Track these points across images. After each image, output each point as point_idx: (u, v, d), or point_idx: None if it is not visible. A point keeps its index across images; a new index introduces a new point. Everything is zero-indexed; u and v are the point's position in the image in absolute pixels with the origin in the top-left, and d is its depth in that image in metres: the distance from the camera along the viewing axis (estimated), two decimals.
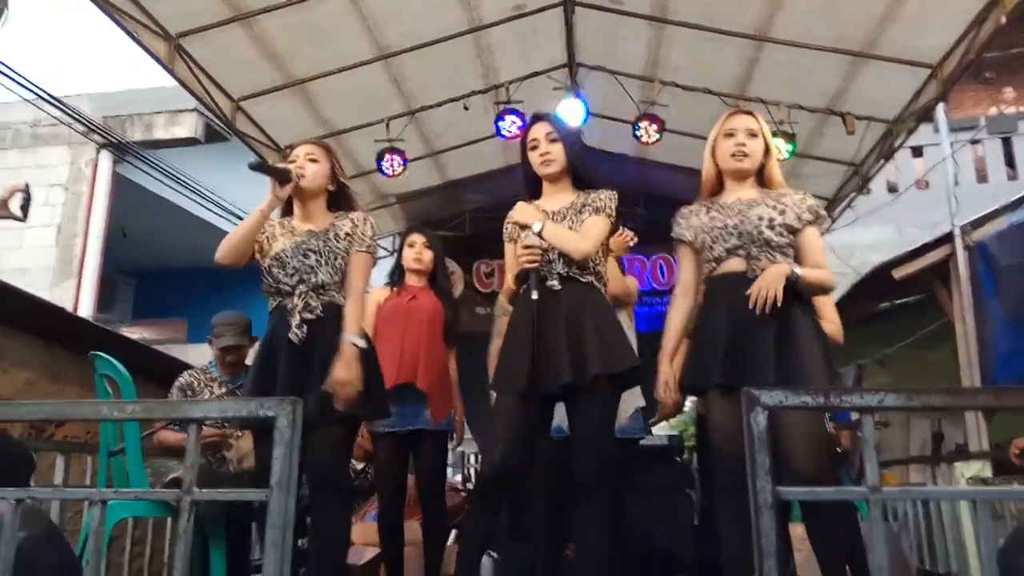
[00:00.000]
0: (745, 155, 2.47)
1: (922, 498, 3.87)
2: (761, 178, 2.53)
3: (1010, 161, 8.67)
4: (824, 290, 2.51)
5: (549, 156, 2.67)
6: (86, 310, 7.46)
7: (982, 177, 8.61)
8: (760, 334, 2.27)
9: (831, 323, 2.97)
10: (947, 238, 5.09)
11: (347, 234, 2.65)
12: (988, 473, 4.33)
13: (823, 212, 2.50)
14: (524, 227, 2.63)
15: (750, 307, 2.27)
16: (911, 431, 6.68)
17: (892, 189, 8.25)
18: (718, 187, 2.57)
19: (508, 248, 2.74)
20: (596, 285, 2.61)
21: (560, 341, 2.48)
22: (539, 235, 2.56)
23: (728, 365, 2.28)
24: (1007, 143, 8.74)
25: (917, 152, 8.22)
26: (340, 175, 2.79)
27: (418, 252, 3.54)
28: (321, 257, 2.59)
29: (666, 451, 4.24)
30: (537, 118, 2.79)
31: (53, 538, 1.96)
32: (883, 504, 1.00)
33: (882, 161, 5.68)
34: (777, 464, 2.17)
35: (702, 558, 3.80)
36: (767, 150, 2.53)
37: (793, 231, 2.38)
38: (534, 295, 2.53)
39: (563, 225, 2.60)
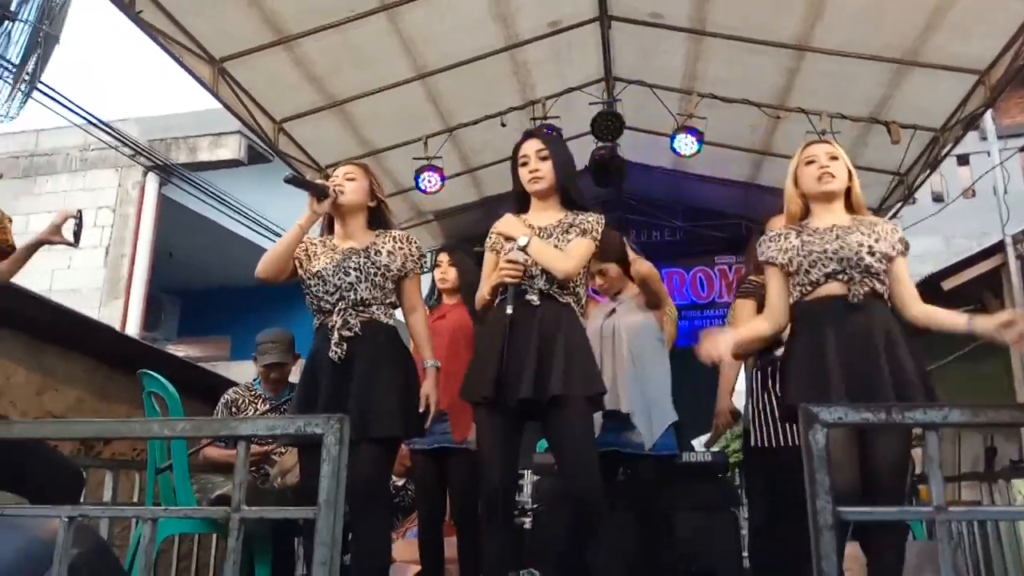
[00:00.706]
0: (832, 176, 2.48)
1: (987, 518, 3.73)
2: (848, 202, 2.53)
3: None
4: None
5: (538, 174, 2.68)
6: (133, 329, 7.61)
7: None
8: (873, 356, 2.28)
9: None
10: (998, 247, 4.94)
11: (389, 252, 2.67)
12: None
13: (908, 244, 2.51)
14: (509, 239, 2.63)
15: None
16: (962, 445, 6.47)
17: (937, 199, 8.05)
18: (804, 214, 2.57)
19: (488, 257, 2.73)
20: (573, 307, 2.61)
21: (529, 355, 2.48)
22: (524, 250, 2.55)
23: (847, 388, 2.26)
24: None
25: (963, 160, 8.03)
26: (379, 192, 2.81)
27: (443, 272, 3.55)
28: (361, 274, 2.60)
29: (710, 468, 4.13)
30: (529, 135, 2.80)
31: (103, 554, 1.98)
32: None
33: (928, 170, 5.56)
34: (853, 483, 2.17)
35: None
36: (850, 173, 2.53)
37: (889, 259, 2.41)
38: (508, 310, 2.52)
39: (549, 243, 2.59)
